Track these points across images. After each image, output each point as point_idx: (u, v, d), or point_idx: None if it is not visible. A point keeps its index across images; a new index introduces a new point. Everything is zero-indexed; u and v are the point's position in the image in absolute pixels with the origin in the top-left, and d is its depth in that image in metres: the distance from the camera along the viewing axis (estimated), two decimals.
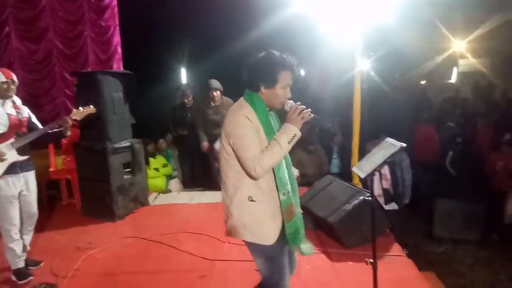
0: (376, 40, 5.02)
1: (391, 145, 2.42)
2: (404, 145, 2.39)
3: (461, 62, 11.96)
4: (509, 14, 9.30)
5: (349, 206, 3.68)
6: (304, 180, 5.74)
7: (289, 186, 2.20)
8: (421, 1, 5.66)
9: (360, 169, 2.49)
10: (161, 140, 6.59)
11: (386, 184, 4.81)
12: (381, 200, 4.80)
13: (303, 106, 2.11)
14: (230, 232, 2.24)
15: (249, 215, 2.15)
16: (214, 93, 5.38)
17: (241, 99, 2.18)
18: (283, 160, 2.18)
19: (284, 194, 2.16)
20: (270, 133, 2.12)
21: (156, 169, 6.07)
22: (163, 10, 7.03)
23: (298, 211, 2.30)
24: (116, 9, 5.64)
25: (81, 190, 4.79)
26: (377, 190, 4.81)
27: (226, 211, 2.25)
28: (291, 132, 2.07)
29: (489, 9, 9.77)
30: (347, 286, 3.21)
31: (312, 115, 2.11)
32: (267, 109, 2.15)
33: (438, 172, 6.47)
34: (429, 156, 6.35)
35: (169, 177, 6.38)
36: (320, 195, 4.09)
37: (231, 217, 2.19)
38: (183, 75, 10.02)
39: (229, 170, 2.16)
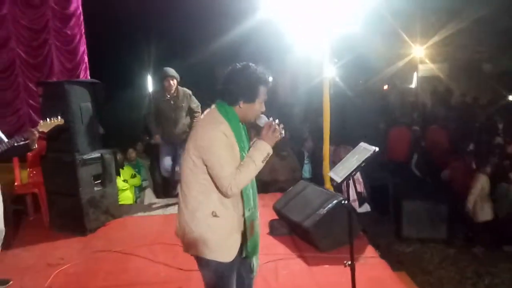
0: (342, 47, 5.17)
1: (365, 150, 2.51)
2: (377, 149, 2.48)
3: (420, 67, 12.51)
4: (461, 23, 9.83)
5: (323, 210, 3.76)
6: (277, 186, 5.80)
7: (252, 202, 2.19)
8: (383, 10, 5.89)
9: (336, 174, 2.56)
10: (130, 150, 6.47)
11: (360, 188, 4.95)
12: (356, 204, 4.94)
13: (276, 122, 2.12)
14: (188, 248, 2.18)
15: (211, 231, 2.09)
16: (171, 82, 4.69)
17: (214, 111, 2.12)
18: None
19: (249, 210, 2.15)
20: (243, 148, 2.10)
21: (125, 181, 5.96)
22: (129, 17, 6.94)
23: (257, 224, 2.29)
24: (81, 18, 5.50)
25: (49, 204, 4.61)
26: (352, 195, 4.96)
27: (183, 225, 2.15)
28: (265, 151, 2.06)
29: (445, 17, 10.31)
30: None
31: (283, 133, 2.12)
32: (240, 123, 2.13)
33: (405, 173, 6.74)
34: (401, 156, 6.60)
35: (140, 188, 6.27)
36: (295, 200, 4.15)
37: (191, 232, 2.11)
38: (150, 82, 9.89)
39: (195, 183, 2.09)
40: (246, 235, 2.18)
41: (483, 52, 12.36)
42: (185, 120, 4.91)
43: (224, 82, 2.10)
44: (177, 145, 4.91)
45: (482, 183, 5.74)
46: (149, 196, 6.22)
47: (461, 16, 9.75)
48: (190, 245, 2.16)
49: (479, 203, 5.77)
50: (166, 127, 4.92)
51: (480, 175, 5.77)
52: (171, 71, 4.71)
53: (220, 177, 2.01)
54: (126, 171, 6.06)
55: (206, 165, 2.04)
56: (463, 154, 6.24)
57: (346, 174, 2.48)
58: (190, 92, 4.86)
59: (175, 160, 5.00)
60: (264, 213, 4.42)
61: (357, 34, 5.15)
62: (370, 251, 3.86)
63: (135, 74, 9.09)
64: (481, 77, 11.98)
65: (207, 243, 2.10)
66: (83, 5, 5.64)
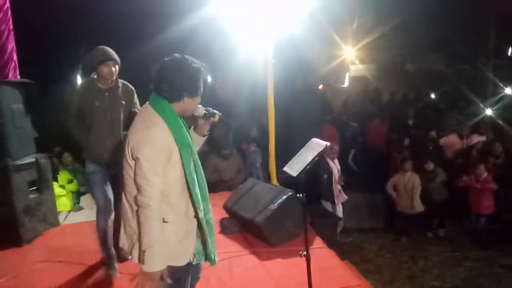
0: (282, 48, 5.32)
1: (317, 145, 2.63)
2: (329, 143, 2.62)
3: (351, 68, 13.22)
4: (384, 28, 10.60)
5: (274, 206, 3.86)
6: (223, 186, 5.81)
7: (203, 201, 2.10)
8: (319, 15, 6.15)
9: (291, 169, 2.65)
10: (66, 154, 6.09)
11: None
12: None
13: (209, 109, 2.13)
14: (137, 257, 2.03)
15: (162, 238, 1.96)
16: (112, 68, 3.21)
17: (149, 109, 2.00)
18: (196, 175, 2.09)
19: (201, 210, 2.08)
20: (184, 145, 1.99)
21: (62, 186, 5.62)
22: (62, 12, 6.52)
23: (210, 217, 2.22)
24: (9, 13, 5.02)
25: None
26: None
27: (131, 235, 2.04)
28: (155, 267, 1.93)
29: (371, 23, 11.07)
30: (280, 281, 3.36)
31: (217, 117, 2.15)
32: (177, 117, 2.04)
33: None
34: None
35: (78, 193, 5.95)
36: (245, 198, 4.21)
37: (138, 240, 1.97)
38: (79, 81, 9.34)
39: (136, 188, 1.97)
40: (205, 237, 2.11)
41: (404, 54, 13.45)
42: (122, 128, 3.35)
43: (162, 79, 1.98)
44: (112, 168, 3.32)
45: (395, 182, 6.14)
46: (88, 201, 5.91)
47: (385, 22, 10.52)
48: (141, 256, 2.01)
49: (408, 198, 6.13)
50: (95, 136, 3.29)
51: (401, 174, 6.16)
52: (113, 53, 3.26)
53: (144, 183, 1.89)
54: (62, 176, 5.70)
55: (136, 166, 1.92)
56: (399, 149, 6.70)
57: (301, 169, 2.58)
58: (133, 88, 3.49)
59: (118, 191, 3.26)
60: (214, 212, 4.36)
61: (296, 36, 5.33)
62: (318, 242, 4.04)
63: (68, 73, 8.56)
64: (405, 77, 13.01)
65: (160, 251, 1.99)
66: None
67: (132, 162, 1.96)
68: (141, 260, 1.93)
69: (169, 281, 2.03)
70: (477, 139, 6.90)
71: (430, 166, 6.25)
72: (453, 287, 4.96)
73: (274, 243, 3.91)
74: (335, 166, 5.67)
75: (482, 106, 8.49)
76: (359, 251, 5.90)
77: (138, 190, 1.93)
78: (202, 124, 2.22)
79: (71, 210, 5.41)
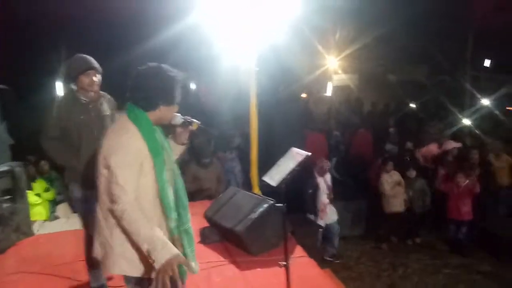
0: (266, 56, 5.35)
1: (297, 154, 2.62)
2: (310, 154, 2.62)
3: (334, 77, 13.37)
4: (366, 39, 10.80)
5: (254, 215, 3.82)
6: (203, 195, 5.74)
7: (175, 213, 2.06)
8: (302, 23, 6.21)
9: (271, 178, 2.63)
10: (42, 162, 5.96)
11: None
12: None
13: (187, 117, 2.11)
14: (111, 268, 2.00)
15: (131, 248, 1.93)
16: (93, 78, 2.92)
17: (124, 117, 1.98)
18: (169, 184, 2.05)
19: (172, 221, 2.04)
20: (157, 154, 1.96)
21: (38, 195, 5.48)
22: (40, 17, 6.40)
23: (189, 227, 2.20)
24: None
25: None
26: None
27: (103, 243, 1.99)
28: (164, 257, 1.81)
29: (353, 33, 11.28)
30: None
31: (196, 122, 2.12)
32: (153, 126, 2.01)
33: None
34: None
35: (55, 202, 5.81)
36: (226, 207, 4.16)
37: (112, 251, 1.95)
38: (58, 88, 9.16)
39: (111, 195, 1.91)
40: (183, 246, 2.08)
41: (385, 65, 13.72)
42: None
43: (137, 87, 1.96)
44: None
45: (385, 181, 6.25)
46: (64, 210, 5.77)
47: (366, 33, 10.72)
48: (113, 264, 1.99)
49: (390, 196, 6.28)
50: (85, 156, 2.87)
51: (383, 174, 6.29)
52: (94, 61, 2.98)
53: (117, 191, 1.85)
54: (39, 185, 5.57)
55: (108, 174, 1.89)
56: (381, 156, 6.80)
57: (281, 178, 2.56)
58: (112, 99, 3.22)
59: None
60: (194, 221, 4.30)
61: (279, 45, 5.36)
62: (299, 251, 4.01)
63: (45, 79, 8.39)
64: (387, 87, 13.25)
65: (130, 260, 1.96)
66: None
67: (105, 171, 1.92)
68: (150, 260, 1.83)
69: None
70: (452, 145, 7.04)
71: (412, 173, 6.36)
72: None
73: (254, 252, 3.86)
74: (323, 181, 5.72)
75: (460, 116, 8.69)
76: (341, 259, 5.91)
77: (112, 199, 1.88)
78: (180, 133, 2.19)
79: (47, 220, 5.27)
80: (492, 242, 5.99)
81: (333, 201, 5.84)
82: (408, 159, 6.87)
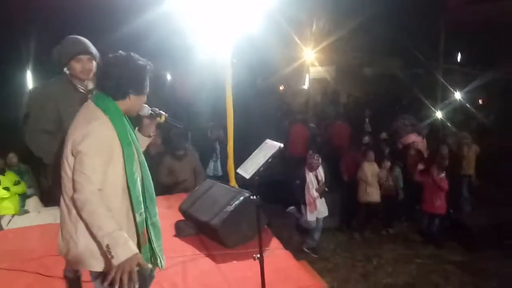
0: (242, 48, 5.30)
1: (271, 146, 2.60)
2: (282, 145, 2.60)
3: (311, 69, 13.43)
4: (342, 31, 10.89)
5: (230, 207, 3.80)
6: (180, 188, 5.68)
7: (144, 205, 2.04)
8: (278, 16, 6.18)
9: (245, 171, 2.61)
10: (11, 155, 5.77)
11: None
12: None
13: (155, 109, 2.09)
14: (75, 263, 1.96)
15: (96, 242, 1.85)
16: (89, 64, 2.63)
17: (92, 105, 1.93)
18: (142, 176, 2.04)
19: (140, 214, 2.00)
20: (127, 144, 1.93)
21: (7, 188, 5.29)
22: (5, 5, 6.13)
23: (157, 220, 2.17)
24: None
25: None
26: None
27: (67, 239, 1.93)
28: (125, 254, 1.77)
29: (328, 26, 11.34)
30: (235, 285, 3.31)
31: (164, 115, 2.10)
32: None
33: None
34: (301, 152, 7.04)
35: (25, 196, 5.62)
36: (201, 200, 4.12)
37: (75, 246, 1.89)
38: (29, 78, 8.82)
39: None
40: (139, 242, 2.01)
41: (360, 57, 13.89)
42: None
43: (107, 76, 1.92)
44: None
45: (365, 169, 6.36)
46: (35, 204, 5.60)
47: (341, 25, 10.80)
48: (77, 260, 1.93)
49: (366, 186, 6.39)
50: None
51: (364, 163, 6.40)
52: (89, 44, 2.69)
53: (82, 178, 1.79)
54: (8, 178, 5.37)
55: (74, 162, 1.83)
56: (359, 146, 6.88)
57: (254, 171, 2.54)
58: None
59: None
60: (169, 214, 4.30)
61: (256, 36, 5.32)
62: (275, 243, 4.02)
63: (11, 68, 8.07)
64: (363, 79, 13.43)
65: (95, 255, 1.90)
66: None
67: (71, 159, 1.86)
68: (109, 255, 1.77)
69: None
70: (412, 138, 7.12)
71: (387, 164, 6.47)
72: (405, 284, 5.13)
73: (230, 245, 3.84)
74: (312, 175, 5.75)
75: (433, 109, 8.88)
76: (317, 250, 5.97)
77: (75, 188, 1.81)
78: (147, 125, 2.17)
79: (16, 214, 5.09)
80: (463, 233, 6.15)
81: (323, 195, 5.83)
82: (384, 149, 6.97)
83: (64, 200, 1.94)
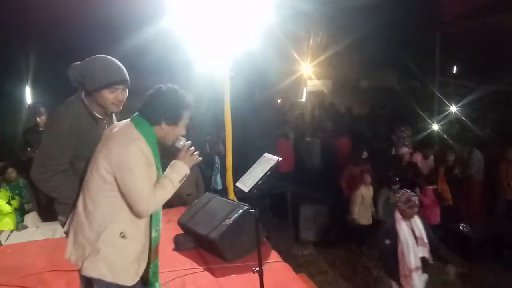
0: (241, 62, 5.37)
1: (269, 160, 2.63)
2: (280, 158, 2.63)
3: (309, 83, 13.55)
4: (338, 46, 11.04)
5: (229, 221, 3.80)
6: (180, 201, 5.67)
7: (160, 223, 2.19)
8: (276, 29, 6.27)
9: (244, 184, 2.64)
10: (10, 170, 5.75)
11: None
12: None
13: (193, 148, 2.19)
14: (86, 270, 2.01)
15: (117, 253, 2.00)
16: (121, 95, 2.25)
17: (130, 126, 2.05)
18: None
19: (156, 231, 2.14)
20: (157, 165, 2.09)
21: (9, 203, 5.29)
22: (5, 20, 6.19)
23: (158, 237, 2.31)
24: None
25: None
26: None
27: (83, 245, 2.02)
28: (183, 171, 2.11)
29: (325, 40, 11.50)
30: None
31: (200, 158, 2.23)
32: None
33: (298, 181, 7.18)
34: (288, 167, 7.04)
35: (23, 211, 5.61)
36: (200, 213, 4.12)
37: (96, 253, 1.99)
38: (28, 93, 8.86)
39: (103, 199, 1.98)
40: (150, 257, 2.13)
41: (357, 71, 14.06)
42: None
43: (149, 102, 2.08)
44: None
45: (362, 193, 6.18)
46: (33, 219, 5.58)
47: (338, 40, 10.95)
48: (90, 267, 2.00)
49: (361, 210, 6.20)
50: None
51: (361, 186, 6.23)
52: (125, 71, 2.28)
53: (136, 196, 1.94)
54: (3, 194, 5.36)
55: (118, 183, 1.95)
56: (358, 162, 6.80)
57: (253, 184, 2.57)
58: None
59: None
60: (169, 228, 4.30)
61: (254, 50, 5.39)
62: (274, 256, 4.02)
63: (9, 83, 8.11)
64: (360, 92, 13.54)
65: (113, 266, 1.99)
66: None
67: (104, 173, 1.96)
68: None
69: None
70: (403, 150, 7.12)
71: (396, 186, 5.99)
72: None
73: (229, 259, 3.84)
74: (407, 229, 3.82)
75: (429, 121, 8.94)
76: (316, 263, 5.95)
77: (131, 205, 1.96)
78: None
79: (14, 230, 5.08)
80: (463, 244, 6.12)
81: (427, 264, 3.98)
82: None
83: (88, 208, 2.01)
